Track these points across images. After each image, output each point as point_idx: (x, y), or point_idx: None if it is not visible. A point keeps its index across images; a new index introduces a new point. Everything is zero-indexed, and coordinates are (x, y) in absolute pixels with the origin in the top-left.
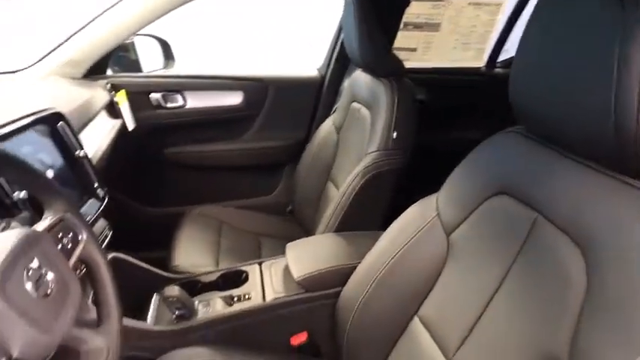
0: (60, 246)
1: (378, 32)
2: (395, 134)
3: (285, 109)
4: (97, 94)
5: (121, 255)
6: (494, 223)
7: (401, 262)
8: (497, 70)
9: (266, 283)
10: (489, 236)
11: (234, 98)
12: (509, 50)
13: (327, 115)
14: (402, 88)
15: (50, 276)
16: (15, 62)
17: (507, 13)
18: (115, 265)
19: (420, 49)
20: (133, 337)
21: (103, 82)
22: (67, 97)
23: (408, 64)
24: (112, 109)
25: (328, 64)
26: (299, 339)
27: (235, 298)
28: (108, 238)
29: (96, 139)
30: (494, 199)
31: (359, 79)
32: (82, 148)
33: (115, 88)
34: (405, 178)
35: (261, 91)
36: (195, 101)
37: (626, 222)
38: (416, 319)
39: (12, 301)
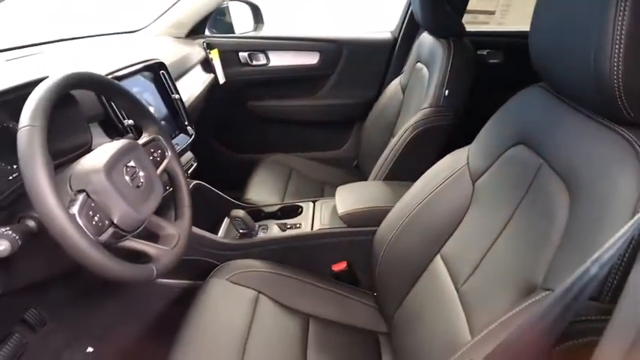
0: (151, 158)
1: None
2: (447, 92)
3: (358, 69)
4: (195, 51)
5: (203, 183)
6: (509, 170)
7: (429, 206)
8: None
9: (316, 217)
10: (504, 182)
11: (311, 58)
12: None
13: (396, 75)
14: (459, 48)
15: (142, 174)
16: (135, 23)
17: None
18: (198, 191)
19: (498, 12)
20: (204, 244)
21: (200, 41)
22: (170, 52)
23: (485, 28)
24: (207, 65)
25: (401, 27)
26: (339, 267)
27: (288, 226)
28: (193, 167)
29: (190, 87)
30: (513, 148)
31: (424, 40)
32: (177, 93)
33: (209, 46)
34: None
35: (336, 52)
36: (277, 60)
37: (606, 163)
38: (438, 257)
39: (114, 183)
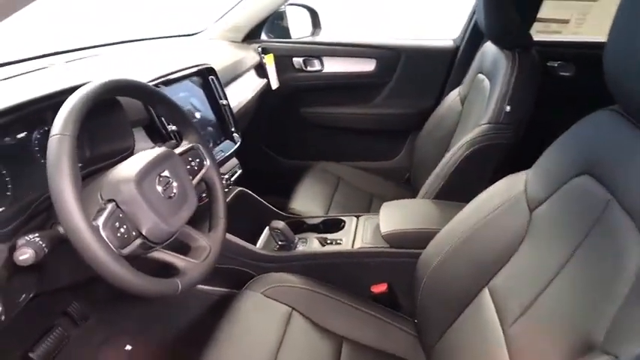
0: (188, 167)
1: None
2: (508, 108)
3: (416, 78)
4: (249, 55)
5: (246, 190)
6: (572, 203)
7: (480, 232)
8: None
9: (358, 233)
10: (565, 216)
11: (368, 65)
12: None
13: (456, 86)
14: (525, 61)
15: (175, 184)
16: (194, 26)
17: None
18: (241, 198)
19: (573, 21)
20: (241, 254)
21: (255, 45)
22: (223, 56)
23: (558, 37)
24: (260, 70)
25: (463, 36)
26: (379, 288)
27: (329, 241)
28: (237, 175)
29: (241, 92)
30: (578, 178)
31: (487, 50)
32: (225, 99)
33: (264, 51)
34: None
35: (393, 59)
36: (332, 66)
37: None
38: (485, 290)
39: (145, 194)
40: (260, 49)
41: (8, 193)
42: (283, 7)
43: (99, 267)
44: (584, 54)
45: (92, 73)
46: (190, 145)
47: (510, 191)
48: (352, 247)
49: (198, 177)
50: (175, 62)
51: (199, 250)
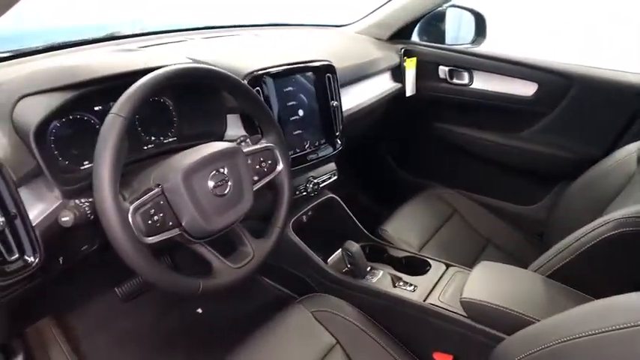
0: (257, 166)
1: None
2: None
3: (585, 115)
4: (388, 56)
5: (337, 198)
6: None
7: (580, 351)
8: None
9: (438, 286)
10: None
11: (526, 89)
12: None
13: (637, 139)
14: None
15: (230, 183)
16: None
17: None
18: (329, 205)
19: None
20: (310, 265)
21: (399, 46)
22: (358, 53)
23: None
24: (398, 73)
25: None
26: (442, 358)
27: (401, 283)
28: (331, 180)
29: (365, 94)
30: None
31: None
32: (337, 100)
33: (407, 54)
34: None
35: (561, 87)
36: (482, 83)
37: None
38: None
39: (190, 187)
40: (403, 50)
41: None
42: (445, 6)
43: (117, 248)
44: None
45: (217, 53)
46: (267, 144)
47: None
48: (425, 299)
49: (266, 179)
50: (300, 54)
51: (242, 254)
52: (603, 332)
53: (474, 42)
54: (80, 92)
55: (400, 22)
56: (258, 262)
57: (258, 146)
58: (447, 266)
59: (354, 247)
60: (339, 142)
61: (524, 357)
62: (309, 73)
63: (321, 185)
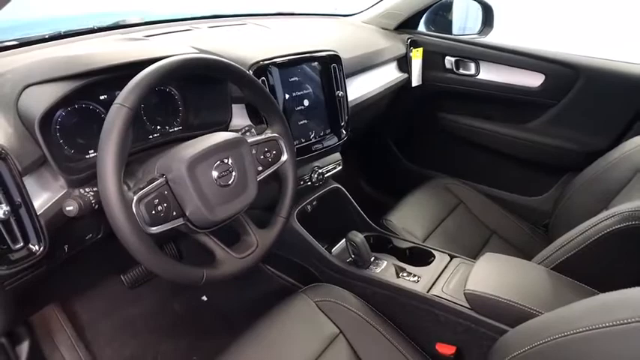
0: (262, 157)
1: None
2: None
3: (593, 106)
4: (395, 46)
5: (341, 188)
6: None
7: (585, 346)
8: None
9: (442, 278)
10: None
11: (532, 80)
12: None
13: None
14: None
15: (235, 174)
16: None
17: None
18: (334, 195)
19: None
20: (314, 255)
21: (405, 36)
22: (365, 43)
23: None
24: (404, 63)
25: None
26: (446, 350)
27: (405, 274)
28: (336, 170)
29: (371, 84)
30: None
31: None
32: (343, 90)
33: (414, 44)
34: None
35: (568, 78)
36: (488, 74)
37: None
38: None
39: (194, 177)
40: (409, 40)
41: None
42: None
43: (121, 238)
44: None
45: (222, 42)
46: (272, 135)
47: None
48: (428, 291)
49: (270, 169)
50: (306, 43)
51: (246, 244)
52: (608, 326)
53: (481, 32)
54: (85, 81)
55: (407, 12)
56: (262, 252)
57: (263, 136)
58: (451, 257)
59: (358, 237)
60: (345, 132)
61: (527, 350)
62: (315, 63)
63: (325, 175)
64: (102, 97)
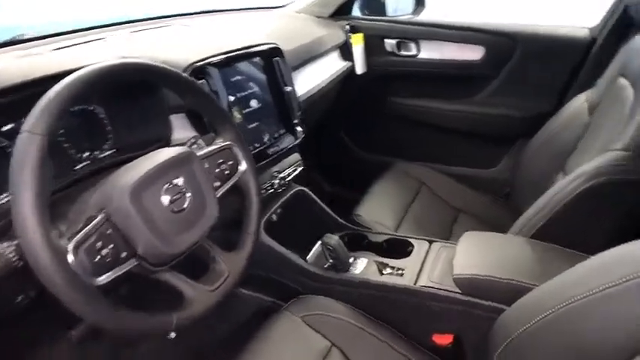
0: (218, 170)
1: None
2: None
3: (533, 73)
4: (334, 34)
5: (306, 190)
6: None
7: (587, 311)
8: None
9: (426, 266)
10: None
11: (474, 53)
12: None
13: (585, 89)
14: None
15: (189, 195)
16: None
17: None
18: (299, 199)
19: None
20: (288, 267)
21: (343, 23)
22: (302, 33)
23: None
24: (346, 51)
25: (605, 24)
26: (443, 340)
27: (389, 269)
28: (297, 172)
29: (318, 76)
30: None
31: (636, 47)
32: (290, 85)
33: (353, 30)
34: None
35: (507, 48)
36: (430, 52)
37: None
38: None
39: (142, 206)
40: (348, 27)
41: None
42: None
43: (61, 298)
44: None
45: (147, 47)
46: (224, 143)
47: None
48: (415, 282)
49: (230, 182)
50: (242, 39)
51: (215, 273)
52: (608, 287)
53: (414, 12)
54: None
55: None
56: (235, 278)
57: (213, 147)
58: (430, 243)
59: (333, 239)
60: (300, 130)
61: (528, 327)
62: (257, 59)
63: (287, 179)
64: (5, 128)
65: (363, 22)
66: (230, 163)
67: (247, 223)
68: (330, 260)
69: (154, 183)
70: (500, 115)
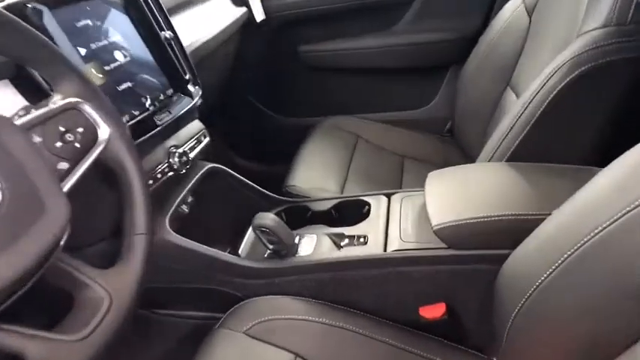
0: (60, 143)
1: None
2: None
3: None
4: None
5: (221, 167)
6: None
7: (621, 236)
8: None
9: (392, 225)
10: None
11: None
12: None
13: None
14: None
15: (3, 187)
16: None
17: None
18: (213, 177)
19: None
20: (216, 269)
21: None
22: None
23: None
24: None
25: None
26: (432, 312)
27: (346, 240)
28: (203, 144)
29: (204, 25)
30: None
31: None
32: (169, 30)
33: None
34: None
35: None
36: None
37: None
38: None
39: None
40: None
41: None
42: None
43: None
44: None
45: None
46: (67, 101)
47: None
48: (385, 248)
49: (86, 162)
50: None
51: (87, 304)
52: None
53: None
54: None
55: None
56: (125, 303)
57: (48, 108)
58: (388, 196)
59: (268, 218)
60: (196, 89)
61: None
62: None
63: (190, 155)
64: None
65: None
66: (80, 130)
67: (132, 220)
68: (270, 246)
69: None
70: (426, 42)
